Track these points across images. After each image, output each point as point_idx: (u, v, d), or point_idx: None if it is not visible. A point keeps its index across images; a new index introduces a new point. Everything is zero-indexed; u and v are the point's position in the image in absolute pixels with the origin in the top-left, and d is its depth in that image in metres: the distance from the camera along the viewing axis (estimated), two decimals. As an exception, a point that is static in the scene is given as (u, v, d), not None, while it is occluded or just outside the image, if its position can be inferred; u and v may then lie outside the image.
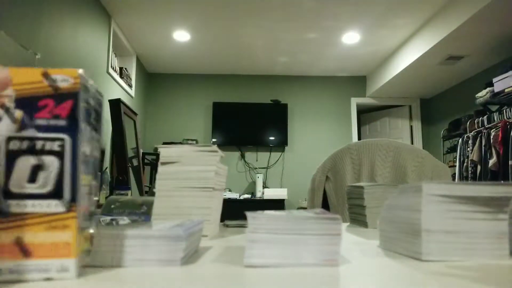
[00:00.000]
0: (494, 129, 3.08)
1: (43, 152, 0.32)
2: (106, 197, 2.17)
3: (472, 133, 3.38)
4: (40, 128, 0.32)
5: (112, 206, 0.78)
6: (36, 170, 0.32)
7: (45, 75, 0.33)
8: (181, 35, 3.92)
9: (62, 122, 0.32)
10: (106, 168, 3.24)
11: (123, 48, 4.03)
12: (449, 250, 0.44)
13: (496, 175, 2.98)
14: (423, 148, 4.40)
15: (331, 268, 0.38)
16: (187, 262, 0.41)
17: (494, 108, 3.49)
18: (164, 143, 4.58)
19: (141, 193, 3.39)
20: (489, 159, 3.05)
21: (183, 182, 0.70)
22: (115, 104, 3.31)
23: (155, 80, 5.00)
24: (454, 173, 3.58)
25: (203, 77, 5.04)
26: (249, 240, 0.39)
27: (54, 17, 2.55)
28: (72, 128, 0.32)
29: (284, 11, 3.45)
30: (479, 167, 3.19)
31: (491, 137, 3.07)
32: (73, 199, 0.32)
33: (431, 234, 0.44)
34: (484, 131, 3.20)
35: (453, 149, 4.05)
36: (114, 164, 3.21)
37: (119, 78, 3.81)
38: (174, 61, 4.59)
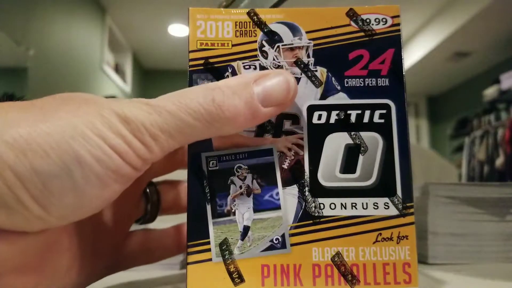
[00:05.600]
0: (501, 128, 3.05)
1: (359, 126, 0.22)
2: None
3: (479, 132, 3.34)
4: (352, 92, 0.22)
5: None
6: (352, 154, 0.22)
7: (352, 15, 0.22)
8: (179, 29, 3.90)
9: (383, 82, 0.22)
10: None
11: (118, 43, 3.99)
12: (456, 253, 0.43)
13: (504, 175, 2.95)
14: (429, 148, 4.38)
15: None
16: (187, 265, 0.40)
17: (502, 106, 3.45)
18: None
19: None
20: (496, 158, 3.02)
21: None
22: (109, 102, 3.27)
23: (152, 76, 4.95)
24: (461, 174, 3.55)
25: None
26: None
27: (47, 12, 2.53)
28: (396, 90, 0.22)
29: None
30: (486, 167, 3.16)
31: (498, 136, 3.03)
32: (408, 196, 0.21)
33: (438, 236, 0.43)
34: (491, 130, 3.16)
35: (460, 149, 4.01)
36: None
37: (114, 74, 3.77)
38: (171, 56, 4.55)
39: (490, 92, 3.35)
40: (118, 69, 3.95)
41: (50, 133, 0.16)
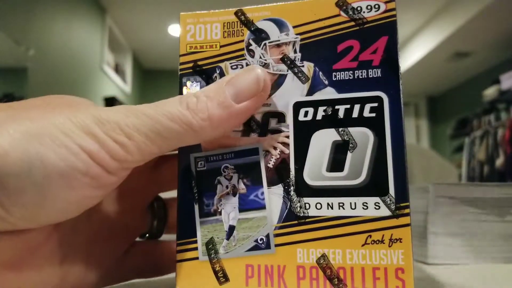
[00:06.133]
0: (501, 128, 3.05)
1: (348, 122, 0.20)
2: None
3: (479, 132, 3.34)
4: (341, 86, 0.21)
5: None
6: (340, 151, 0.20)
7: (342, 5, 0.21)
8: (179, 29, 3.89)
9: (375, 73, 0.20)
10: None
11: (118, 43, 3.99)
12: (456, 253, 0.43)
13: (504, 175, 2.95)
14: (429, 148, 4.38)
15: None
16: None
17: (501, 106, 3.45)
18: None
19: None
20: (496, 159, 3.02)
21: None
22: (110, 102, 3.28)
23: (152, 76, 4.95)
24: (461, 174, 3.56)
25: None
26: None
27: (47, 12, 2.53)
28: (390, 81, 0.20)
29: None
30: (486, 167, 3.16)
31: (498, 136, 3.03)
32: (403, 196, 0.19)
33: (438, 236, 0.43)
34: (491, 130, 3.16)
35: (460, 149, 4.01)
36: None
37: (114, 75, 3.77)
38: (171, 56, 4.54)
39: (490, 92, 3.35)
40: (118, 69, 3.95)
41: (11, 132, 0.16)
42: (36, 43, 2.32)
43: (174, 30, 3.91)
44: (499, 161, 2.98)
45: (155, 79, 4.97)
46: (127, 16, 3.67)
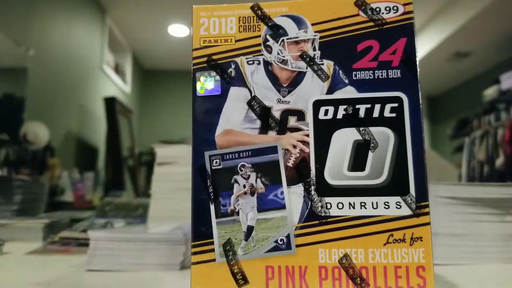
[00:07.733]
0: (501, 128, 3.05)
1: (369, 121, 0.20)
2: (101, 199, 2.16)
3: (479, 132, 3.34)
4: (361, 85, 0.21)
5: (107, 209, 0.77)
6: (361, 151, 0.20)
7: (361, 5, 0.21)
8: (179, 29, 3.90)
9: (394, 73, 0.21)
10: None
11: (118, 43, 4.00)
12: (457, 253, 0.43)
13: (504, 176, 2.95)
14: (429, 148, 4.37)
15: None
16: (186, 266, 0.39)
17: (501, 106, 3.45)
18: (162, 142, 4.53)
19: (136, 195, 3.38)
20: (496, 159, 3.02)
21: (180, 184, 0.67)
22: (110, 103, 3.27)
23: (152, 76, 4.95)
24: (461, 174, 3.55)
25: (208, 75, 5.01)
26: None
27: (48, 12, 2.53)
28: (409, 82, 0.21)
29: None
30: (486, 167, 3.16)
31: (498, 136, 3.03)
32: (423, 195, 0.20)
33: (438, 237, 0.43)
34: (491, 130, 3.16)
35: (460, 149, 4.01)
36: (108, 164, 3.20)
37: (114, 75, 3.77)
38: (171, 56, 4.54)
39: (490, 92, 3.35)
40: (118, 69, 3.94)
41: None
42: (36, 43, 2.31)
43: (174, 30, 3.90)
44: (499, 161, 2.98)
45: (155, 79, 4.95)
46: (127, 16, 3.67)
